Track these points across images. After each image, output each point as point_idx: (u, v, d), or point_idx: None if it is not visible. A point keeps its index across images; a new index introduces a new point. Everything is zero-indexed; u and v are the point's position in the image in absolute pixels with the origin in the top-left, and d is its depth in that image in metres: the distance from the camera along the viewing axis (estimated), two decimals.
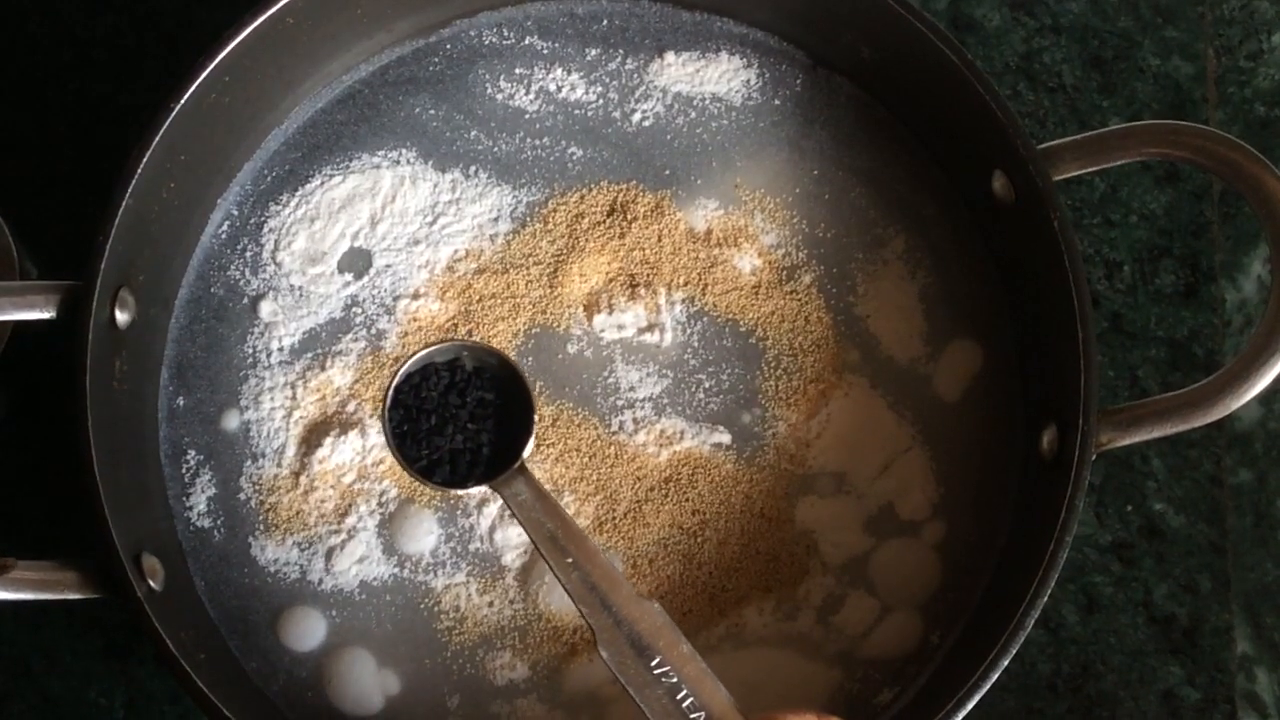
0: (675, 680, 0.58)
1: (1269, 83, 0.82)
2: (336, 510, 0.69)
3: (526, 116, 0.74)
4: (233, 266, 0.72)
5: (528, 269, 0.72)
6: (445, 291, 0.72)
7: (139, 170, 0.65)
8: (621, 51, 0.75)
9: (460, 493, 0.68)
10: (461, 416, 0.65)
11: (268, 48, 0.69)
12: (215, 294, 0.72)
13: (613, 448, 0.70)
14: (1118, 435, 0.65)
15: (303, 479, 0.70)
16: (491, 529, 0.69)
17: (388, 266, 0.72)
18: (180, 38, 0.79)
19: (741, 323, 0.72)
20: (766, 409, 0.71)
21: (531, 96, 0.75)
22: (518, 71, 0.75)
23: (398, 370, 0.65)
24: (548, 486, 0.69)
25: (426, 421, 0.64)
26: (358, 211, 0.73)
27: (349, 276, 0.72)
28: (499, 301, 0.72)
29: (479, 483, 0.64)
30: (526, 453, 0.64)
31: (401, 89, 0.74)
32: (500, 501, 0.69)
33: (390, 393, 0.64)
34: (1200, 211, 0.80)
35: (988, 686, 0.62)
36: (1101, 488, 0.77)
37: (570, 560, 0.60)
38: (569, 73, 0.75)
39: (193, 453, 0.70)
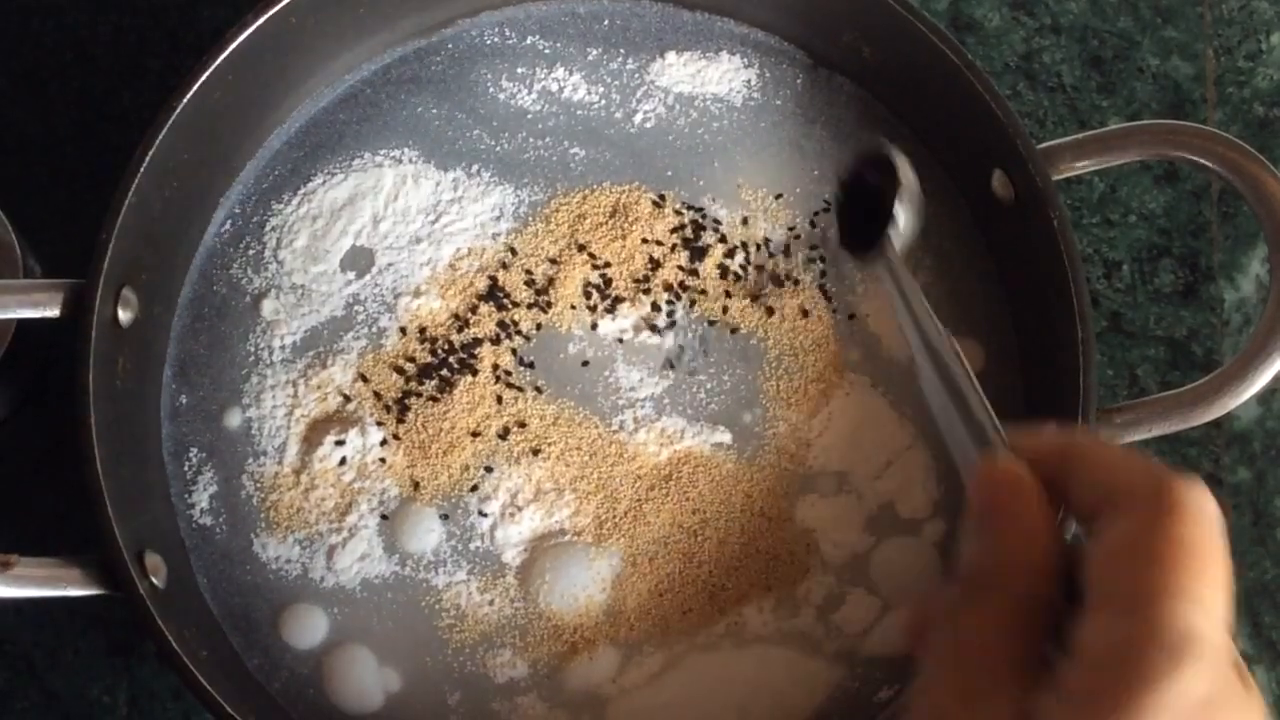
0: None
1: (1268, 83, 0.82)
2: (337, 508, 0.69)
3: (528, 116, 0.74)
4: (235, 265, 0.72)
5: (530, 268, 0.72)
6: (447, 289, 0.72)
7: (142, 169, 0.65)
8: (623, 51, 0.75)
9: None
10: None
11: (270, 47, 0.69)
12: (218, 292, 0.72)
13: (614, 446, 0.70)
14: (1117, 434, 0.65)
15: (303, 477, 0.70)
16: (493, 527, 0.69)
17: (390, 265, 0.72)
18: (183, 36, 0.79)
19: (743, 323, 0.72)
20: (767, 408, 0.71)
21: (533, 96, 0.75)
22: (519, 71, 0.75)
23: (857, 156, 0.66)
24: (549, 485, 0.69)
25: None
26: (360, 210, 0.73)
27: (351, 275, 0.72)
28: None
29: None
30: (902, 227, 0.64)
31: (404, 88, 0.75)
32: (500, 501, 0.69)
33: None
34: (1199, 211, 0.80)
35: None
36: None
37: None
38: (570, 73, 0.75)
39: (195, 450, 0.70)
